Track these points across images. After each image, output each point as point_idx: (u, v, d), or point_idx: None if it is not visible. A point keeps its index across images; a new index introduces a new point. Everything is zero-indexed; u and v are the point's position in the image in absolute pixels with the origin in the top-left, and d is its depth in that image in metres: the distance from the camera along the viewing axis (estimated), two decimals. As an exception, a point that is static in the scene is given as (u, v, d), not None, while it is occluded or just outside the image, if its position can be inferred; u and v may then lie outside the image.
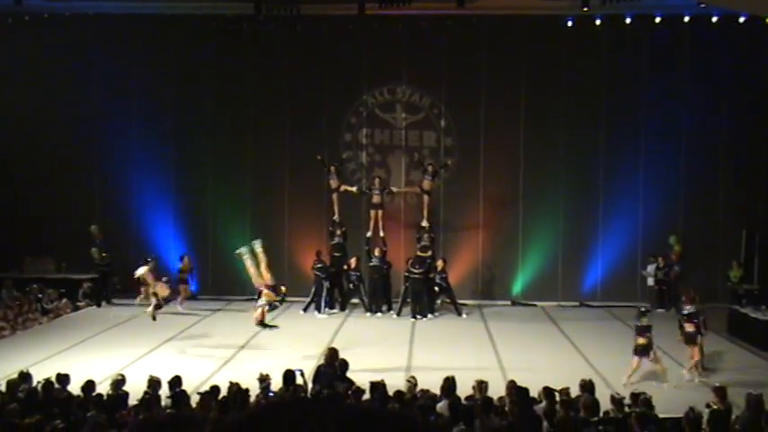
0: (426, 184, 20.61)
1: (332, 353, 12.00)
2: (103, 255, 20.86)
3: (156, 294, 17.21)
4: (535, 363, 14.98)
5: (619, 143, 21.81)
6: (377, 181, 21.00)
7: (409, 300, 19.77)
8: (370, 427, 1.72)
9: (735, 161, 21.55)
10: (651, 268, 20.57)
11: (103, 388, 11.25)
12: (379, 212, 20.73)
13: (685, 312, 14.38)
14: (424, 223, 20.43)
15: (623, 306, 20.61)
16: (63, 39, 21.93)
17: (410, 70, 22.11)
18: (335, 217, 20.68)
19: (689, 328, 14.07)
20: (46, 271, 21.54)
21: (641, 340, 13.68)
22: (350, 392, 10.31)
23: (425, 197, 20.61)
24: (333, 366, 11.67)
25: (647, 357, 13.64)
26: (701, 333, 14.22)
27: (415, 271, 19.57)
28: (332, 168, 20.80)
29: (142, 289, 18.64)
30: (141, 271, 17.62)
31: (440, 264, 20.04)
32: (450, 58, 21.89)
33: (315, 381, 11.58)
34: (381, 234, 20.58)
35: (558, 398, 10.34)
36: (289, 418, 1.64)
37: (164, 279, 18.45)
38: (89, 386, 10.82)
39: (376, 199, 20.84)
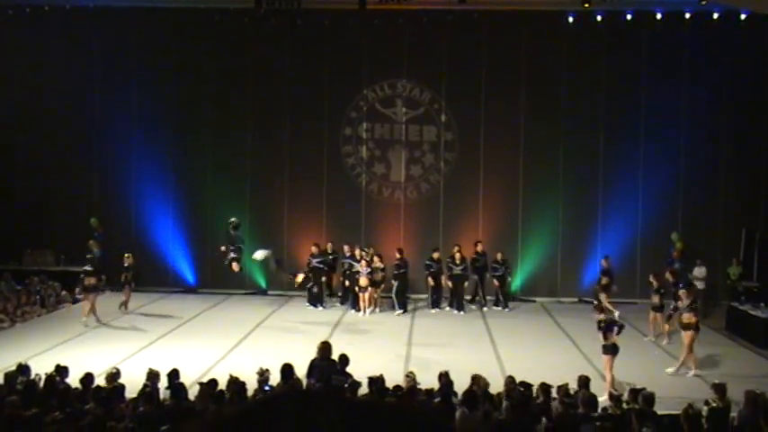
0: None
1: (325, 346, 11.94)
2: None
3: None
4: (533, 358, 15.01)
5: (619, 139, 21.77)
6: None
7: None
8: (375, 420, 1.70)
9: (735, 158, 21.51)
10: (699, 271, 19.40)
11: (102, 380, 11.25)
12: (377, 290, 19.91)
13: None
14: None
15: (622, 303, 20.60)
16: (64, 31, 21.92)
17: (411, 65, 22.07)
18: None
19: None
20: (45, 263, 21.52)
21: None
22: (346, 386, 10.30)
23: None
24: (327, 360, 11.63)
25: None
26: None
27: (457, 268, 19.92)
28: (363, 263, 19.63)
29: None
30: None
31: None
32: (451, 53, 21.87)
33: (309, 375, 11.53)
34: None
35: (554, 393, 10.34)
36: (292, 409, 1.63)
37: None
38: (88, 378, 10.81)
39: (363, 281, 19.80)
